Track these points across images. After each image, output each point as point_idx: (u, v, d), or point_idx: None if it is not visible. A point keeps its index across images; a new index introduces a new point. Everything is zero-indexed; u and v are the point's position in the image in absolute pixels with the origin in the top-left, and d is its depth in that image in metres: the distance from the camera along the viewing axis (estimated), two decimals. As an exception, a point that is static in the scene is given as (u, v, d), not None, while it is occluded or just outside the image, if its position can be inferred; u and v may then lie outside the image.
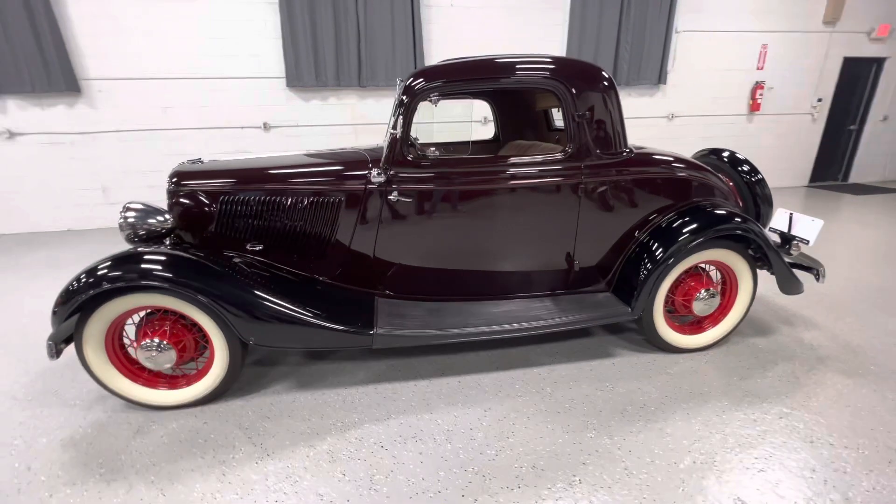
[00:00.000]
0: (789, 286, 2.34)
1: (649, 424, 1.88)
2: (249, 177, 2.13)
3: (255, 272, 2.07)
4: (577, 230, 2.19)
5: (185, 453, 1.76)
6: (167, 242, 2.11)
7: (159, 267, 1.79)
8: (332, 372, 2.29)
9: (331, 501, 1.53)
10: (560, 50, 5.72)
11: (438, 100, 1.94)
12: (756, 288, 2.36)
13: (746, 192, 2.67)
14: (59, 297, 1.75)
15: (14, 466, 1.71)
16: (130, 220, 2.02)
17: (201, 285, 1.79)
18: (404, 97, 1.97)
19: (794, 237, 2.43)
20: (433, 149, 2.06)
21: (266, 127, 5.39)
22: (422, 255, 2.19)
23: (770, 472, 1.62)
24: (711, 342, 2.40)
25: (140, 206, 2.04)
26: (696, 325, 2.43)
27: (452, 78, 1.98)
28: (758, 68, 6.38)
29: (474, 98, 2.88)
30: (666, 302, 2.32)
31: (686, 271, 2.31)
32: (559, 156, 2.09)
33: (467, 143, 3.06)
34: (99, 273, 1.75)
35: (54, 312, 1.76)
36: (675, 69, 6.12)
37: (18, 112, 4.86)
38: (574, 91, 2.02)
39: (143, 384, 1.94)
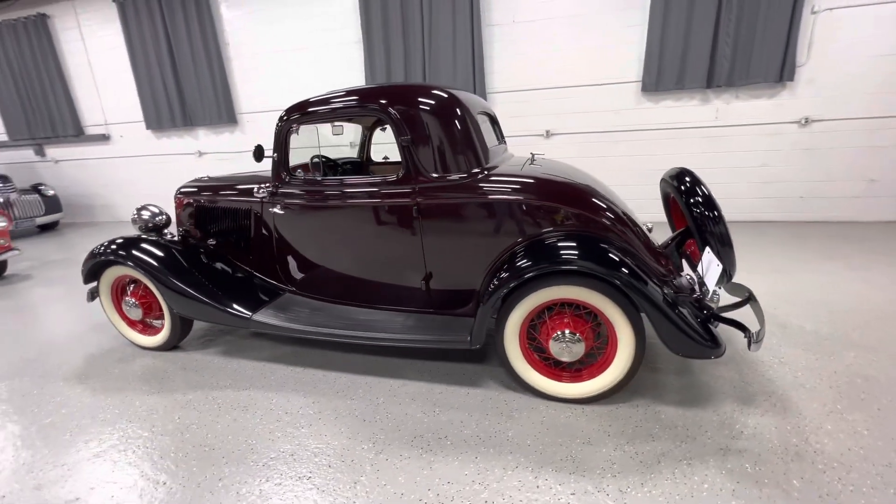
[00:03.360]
0: (680, 345, 1.82)
1: (425, 455, 1.82)
2: (203, 190, 2.86)
3: (202, 261, 2.77)
4: (423, 251, 2.19)
5: (126, 377, 2.55)
6: (166, 233, 3.00)
7: (128, 250, 2.63)
8: (252, 347, 2.83)
9: (155, 429, 2.06)
10: (638, 53, 5.09)
11: (298, 127, 2.29)
12: (642, 342, 1.91)
13: (694, 227, 2.13)
14: (85, 258, 2.76)
15: (54, 361, 2.78)
16: (144, 216, 2.97)
17: (144, 264, 2.56)
18: (276, 127, 2.38)
19: (703, 283, 1.86)
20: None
21: (352, 146, 6.40)
22: (304, 259, 2.55)
23: (479, 536, 1.44)
24: (583, 396, 2.04)
25: (148, 209, 2.98)
26: (577, 373, 2.10)
27: (305, 112, 2.29)
28: (973, 46, 4.36)
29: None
30: (532, 338, 2.10)
31: (553, 308, 2.04)
32: (393, 178, 2.15)
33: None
34: (103, 248, 2.68)
35: (82, 270, 2.78)
36: (810, 60, 4.71)
37: (204, 138, 7.02)
38: (398, 116, 2.07)
39: (128, 325, 2.85)
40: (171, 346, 2.81)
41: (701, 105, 5.13)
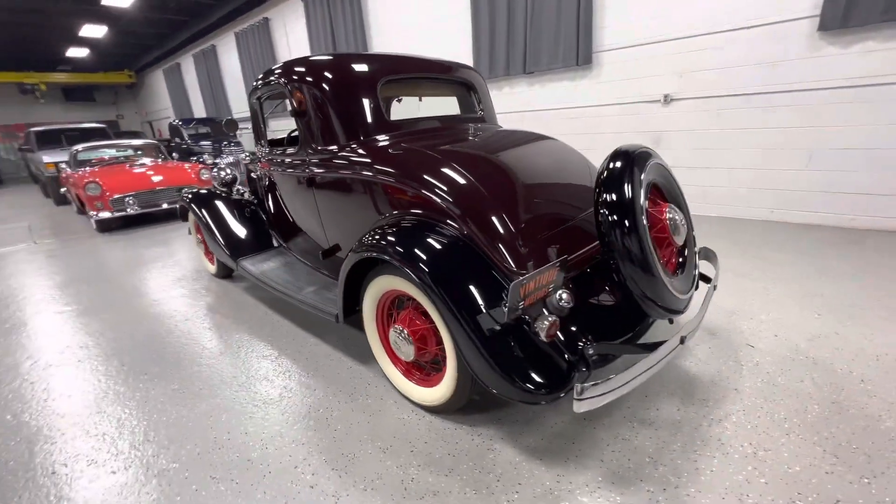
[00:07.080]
0: (493, 382, 1.38)
1: (251, 408, 1.96)
2: (251, 155, 3.49)
3: (243, 212, 3.41)
4: (321, 219, 2.20)
5: (185, 293, 3.47)
6: (237, 188, 3.81)
7: (194, 198, 3.48)
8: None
9: (161, 327, 2.81)
10: (815, -27, 3.46)
11: (258, 101, 2.56)
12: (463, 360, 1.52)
13: (597, 232, 1.53)
14: (179, 205, 3.78)
15: (173, 274, 3.98)
16: (220, 175, 3.84)
17: (198, 213, 3.35)
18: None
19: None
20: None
21: (460, 117, 6.45)
22: (274, 219, 2.89)
23: None
24: (421, 402, 1.79)
25: (225, 169, 3.82)
26: (422, 374, 1.84)
27: (254, 89, 2.50)
28: None
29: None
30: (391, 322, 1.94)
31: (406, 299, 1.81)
32: (291, 150, 2.20)
33: None
34: (185, 196, 3.63)
35: (178, 211, 3.82)
36: None
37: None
38: (289, 88, 2.05)
39: (205, 255, 3.82)
40: (223, 275, 3.65)
41: (933, 44, 3.18)
